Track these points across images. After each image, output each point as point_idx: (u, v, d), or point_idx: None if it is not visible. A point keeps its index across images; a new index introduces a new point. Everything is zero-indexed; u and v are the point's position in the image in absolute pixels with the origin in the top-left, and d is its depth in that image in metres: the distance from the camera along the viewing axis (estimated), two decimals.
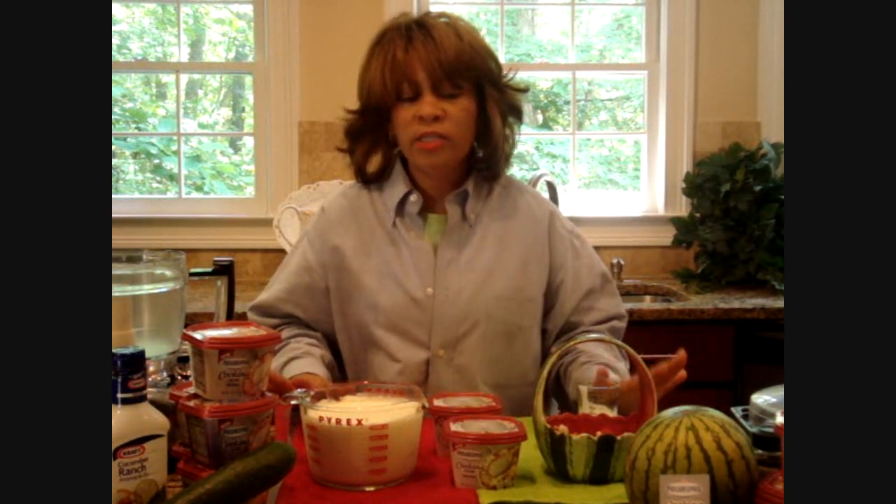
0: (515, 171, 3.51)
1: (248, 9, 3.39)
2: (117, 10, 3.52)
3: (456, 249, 1.63)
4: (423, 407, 1.29)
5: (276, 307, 1.69)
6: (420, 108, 1.55)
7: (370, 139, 1.65)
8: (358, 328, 1.64)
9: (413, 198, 1.64)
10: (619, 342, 1.43)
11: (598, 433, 1.24)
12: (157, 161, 3.79)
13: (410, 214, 1.64)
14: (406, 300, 1.60)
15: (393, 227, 1.65)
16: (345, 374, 1.70)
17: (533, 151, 3.80)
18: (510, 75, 1.66)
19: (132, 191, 3.70)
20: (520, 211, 1.68)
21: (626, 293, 3.07)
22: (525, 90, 1.68)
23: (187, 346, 1.17)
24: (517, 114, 1.67)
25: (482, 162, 1.66)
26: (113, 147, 3.54)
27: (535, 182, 2.95)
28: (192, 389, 1.16)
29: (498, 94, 1.62)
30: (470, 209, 1.64)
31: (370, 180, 1.69)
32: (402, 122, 1.58)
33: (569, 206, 3.23)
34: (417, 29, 1.57)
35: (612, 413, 1.39)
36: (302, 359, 1.58)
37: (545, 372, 1.32)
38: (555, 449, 1.25)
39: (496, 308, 1.61)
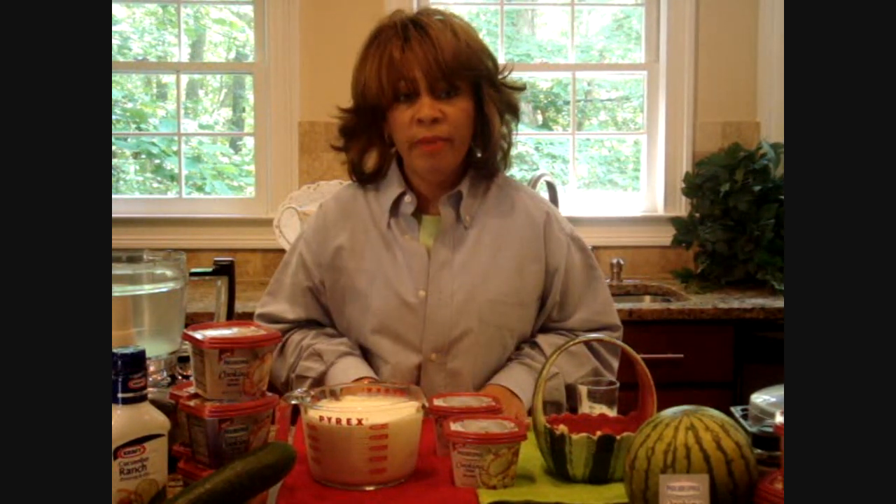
0: (515, 171, 3.52)
1: (248, 9, 3.39)
2: (117, 10, 3.52)
3: (450, 251, 1.60)
4: (423, 407, 1.29)
5: (283, 317, 1.68)
6: (418, 109, 1.52)
7: (365, 138, 1.63)
8: (352, 329, 1.63)
9: (408, 199, 1.61)
10: (618, 342, 1.43)
11: (598, 433, 1.24)
12: (157, 161, 3.79)
13: (405, 216, 1.61)
14: (398, 303, 1.58)
15: (387, 229, 1.62)
16: None
17: (533, 152, 3.80)
18: (506, 73, 1.63)
19: (132, 191, 3.70)
20: (516, 210, 1.64)
21: (626, 293, 3.07)
22: (522, 88, 1.65)
23: (188, 346, 1.17)
24: (515, 112, 1.64)
25: (480, 162, 1.63)
26: (113, 147, 3.54)
27: (535, 182, 2.94)
28: (192, 389, 1.16)
29: (496, 93, 1.59)
30: (465, 210, 1.61)
31: (366, 180, 1.67)
32: (400, 124, 1.55)
33: (569, 207, 3.23)
34: (414, 28, 1.53)
35: (611, 413, 1.39)
36: (347, 358, 1.59)
37: (544, 372, 1.32)
38: (555, 449, 1.25)
39: (490, 312, 1.58)
